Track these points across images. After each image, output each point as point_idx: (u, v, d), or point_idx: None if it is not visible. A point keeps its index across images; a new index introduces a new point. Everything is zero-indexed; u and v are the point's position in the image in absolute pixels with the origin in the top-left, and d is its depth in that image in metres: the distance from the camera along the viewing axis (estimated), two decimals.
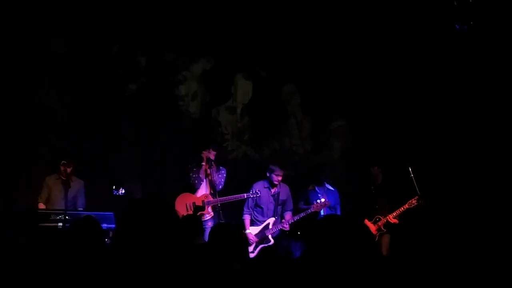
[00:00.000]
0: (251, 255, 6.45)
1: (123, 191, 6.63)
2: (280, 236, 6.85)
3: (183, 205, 6.57)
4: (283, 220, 6.83)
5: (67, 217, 5.53)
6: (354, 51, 7.91)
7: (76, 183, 6.53)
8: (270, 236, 6.73)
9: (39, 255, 3.38)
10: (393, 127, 7.88)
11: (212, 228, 3.55)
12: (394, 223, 6.66)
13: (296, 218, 6.76)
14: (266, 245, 6.66)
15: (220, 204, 6.57)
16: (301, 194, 7.28)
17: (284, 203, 6.99)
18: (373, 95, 8.08)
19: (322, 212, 6.80)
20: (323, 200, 6.72)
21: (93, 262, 3.08)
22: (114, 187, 6.60)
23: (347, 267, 2.39)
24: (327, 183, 7.17)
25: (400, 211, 6.63)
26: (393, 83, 7.88)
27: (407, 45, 7.50)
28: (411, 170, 6.48)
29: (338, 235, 2.52)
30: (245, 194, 6.78)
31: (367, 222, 6.80)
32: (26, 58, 7.11)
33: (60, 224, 5.56)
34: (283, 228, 6.75)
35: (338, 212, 7.09)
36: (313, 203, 6.74)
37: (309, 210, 6.70)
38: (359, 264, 2.43)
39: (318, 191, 7.13)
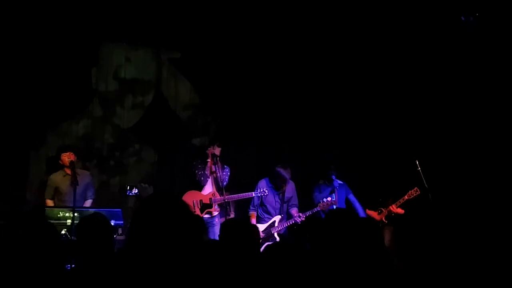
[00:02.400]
0: None
1: (136, 191, 6.67)
2: (286, 233, 6.88)
3: (190, 203, 6.58)
4: (295, 215, 6.83)
5: (75, 214, 5.55)
6: (362, 39, 7.85)
7: (83, 175, 6.53)
8: (276, 234, 6.76)
9: (47, 251, 3.41)
10: (401, 120, 7.85)
11: (223, 224, 3.57)
12: (398, 213, 6.71)
13: (303, 216, 6.77)
14: (271, 242, 6.64)
15: (226, 200, 6.61)
16: (313, 186, 7.29)
17: (289, 200, 7.01)
18: (380, 87, 8.05)
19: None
20: (329, 199, 6.74)
21: (103, 258, 3.12)
22: (127, 187, 6.64)
23: (352, 260, 2.40)
24: (335, 178, 7.16)
25: (400, 202, 6.68)
26: (401, 75, 7.85)
27: (416, 36, 7.45)
28: (418, 163, 6.51)
29: (343, 230, 2.53)
30: (252, 193, 6.84)
31: (369, 211, 6.86)
32: (29, 57, 7.11)
33: (69, 221, 5.59)
34: (296, 221, 6.75)
35: (354, 200, 7.14)
36: (321, 201, 6.76)
37: (315, 209, 6.72)
38: (363, 257, 2.44)
39: (327, 186, 7.16)
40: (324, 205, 6.67)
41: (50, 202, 6.46)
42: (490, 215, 6.49)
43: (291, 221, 6.78)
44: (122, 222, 5.86)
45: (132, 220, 2.11)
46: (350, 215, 2.58)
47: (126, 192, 6.69)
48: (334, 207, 6.85)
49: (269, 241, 6.68)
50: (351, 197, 7.18)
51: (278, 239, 6.73)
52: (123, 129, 7.80)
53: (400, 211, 6.73)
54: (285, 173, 6.79)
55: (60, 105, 7.27)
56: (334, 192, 7.03)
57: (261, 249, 6.48)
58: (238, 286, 2.66)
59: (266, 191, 6.80)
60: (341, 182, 7.21)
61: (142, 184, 7.19)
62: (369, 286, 2.37)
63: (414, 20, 7.22)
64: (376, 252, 2.47)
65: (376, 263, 2.42)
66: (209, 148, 6.91)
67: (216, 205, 6.72)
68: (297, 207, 7.04)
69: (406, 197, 6.66)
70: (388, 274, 2.55)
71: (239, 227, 3.22)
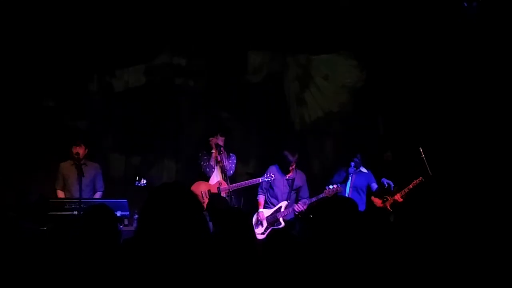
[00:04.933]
0: (262, 237, 6.55)
1: (144, 182, 6.72)
2: (293, 220, 6.90)
3: (198, 194, 6.61)
4: (298, 203, 6.88)
5: (82, 205, 5.59)
6: (364, 29, 7.82)
7: (92, 167, 6.60)
8: (281, 219, 6.79)
9: (54, 243, 3.44)
10: (404, 107, 7.83)
11: (221, 213, 3.58)
12: (400, 202, 6.74)
13: (307, 202, 6.81)
14: (276, 227, 6.71)
15: (231, 189, 6.66)
16: (333, 173, 7.35)
17: (299, 189, 7.04)
18: (385, 75, 8.03)
19: (347, 190, 6.95)
20: (334, 186, 6.75)
21: (107, 250, 3.14)
22: (136, 178, 6.70)
23: (350, 251, 2.41)
24: (361, 166, 7.16)
25: (405, 191, 6.70)
26: (404, 63, 7.82)
27: (416, 25, 7.42)
28: (422, 150, 6.50)
29: (346, 217, 2.54)
30: (259, 179, 6.87)
31: (374, 199, 6.88)
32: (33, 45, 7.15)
33: (75, 212, 5.63)
34: (296, 209, 6.79)
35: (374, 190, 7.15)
36: (326, 188, 6.79)
37: (320, 196, 6.74)
38: (363, 248, 2.44)
39: (345, 172, 7.17)
40: (329, 191, 6.69)
41: (61, 193, 6.55)
42: (495, 203, 6.47)
43: (295, 208, 6.82)
44: (128, 212, 5.90)
45: (142, 210, 2.12)
46: (346, 205, 2.57)
47: (135, 183, 6.74)
48: (354, 191, 6.92)
49: (274, 226, 6.74)
50: (373, 186, 7.17)
51: (283, 224, 6.76)
52: None
53: (401, 200, 6.77)
54: (290, 156, 6.81)
55: None
56: (348, 178, 7.04)
57: (266, 234, 6.63)
58: (241, 275, 2.68)
59: (273, 175, 6.82)
60: (366, 170, 7.20)
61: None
62: (371, 277, 2.38)
63: (420, 7, 7.19)
64: (376, 243, 2.48)
65: (377, 253, 2.43)
66: (211, 139, 6.96)
67: (224, 193, 6.76)
68: (307, 199, 7.05)
69: (410, 186, 6.67)
70: (391, 264, 2.56)
71: (234, 217, 3.22)
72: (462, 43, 7.14)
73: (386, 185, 6.93)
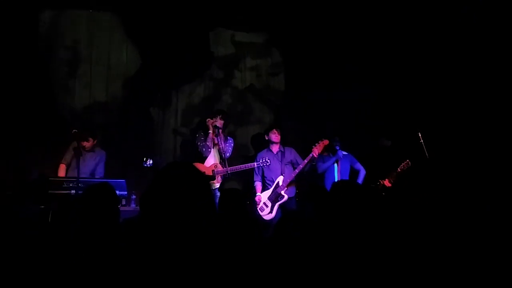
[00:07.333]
0: (271, 216, 6.73)
1: (151, 162, 6.74)
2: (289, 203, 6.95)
3: None
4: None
5: (80, 185, 5.58)
6: (360, 15, 7.80)
7: (98, 153, 6.69)
8: (283, 192, 6.84)
9: (54, 222, 3.45)
10: (403, 92, 7.83)
11: (221, 194, 3.58)
12: (389, 187, 6.84)
13: (301, 166, 6.86)
14: (281, 201, 6.80)
15: (229, 171, 6.67)
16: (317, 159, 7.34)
17: (292, 163, 7.08)
18: (383, 59, 8.01)
19: (335, 176, 6.93)
20: (323, 141, 6.84)
21: (108, 229, 3.15)
22: (143, 159, 6.73)
23: (358, 231, 2.42)
24: (339, 149, 7.16)
25: (393, 175, 6.83)
26: (402, 48, 7.80)
27: (414, 9, 7.41)
28: (421, 135, 6.52)
29: (348, 201, 2.54)
30: (255, 163, 6.92)
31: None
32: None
33: (73, 191, 5.63)
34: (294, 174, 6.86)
35: (360, 168, 7.18)
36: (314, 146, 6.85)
37: (311, 155, 6.81)
38: (370, 227, 2.45)
39: (328, 156, 7.17)
40: (318, 146, 6.80)
41: (62, 166, 6.59)
42: (493, 187, 6.50)
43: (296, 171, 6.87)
44: (125, 193, 5.91)
45: (149, 189, 2.08)
46: (354, 187, 2.59)
47: (142, 164, 6.77)
48: (335, 179, 6.92)
49: (278, 201, 6.81)
50: (357, 166, 7.19)
51: (286, 196, 6.81)
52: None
53: (389, 185, 6.84)
54: (275, 130, 7.07)
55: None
56: (337, 162, 7.06)
57: (274, 212, 6.70)
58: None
59: (269, 160, 6.89)
60: (345, 153, 7.22)
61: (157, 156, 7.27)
62: (377, 256, 2.39)
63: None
64: (381, 222, 2.49)
65: (381, 232, 2.44)
66: (208, 119, 6.96)
67: (219, 176, 6.77)
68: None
69: (398, 170, 6.80)
70: (392, 243, 2.58)
71: (234, 197, 3.23)
72: (460, 29, 7.15)
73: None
